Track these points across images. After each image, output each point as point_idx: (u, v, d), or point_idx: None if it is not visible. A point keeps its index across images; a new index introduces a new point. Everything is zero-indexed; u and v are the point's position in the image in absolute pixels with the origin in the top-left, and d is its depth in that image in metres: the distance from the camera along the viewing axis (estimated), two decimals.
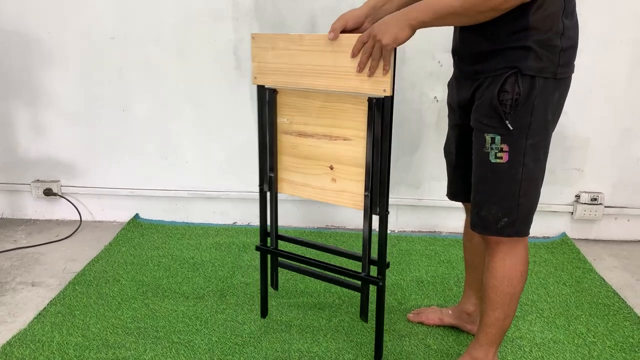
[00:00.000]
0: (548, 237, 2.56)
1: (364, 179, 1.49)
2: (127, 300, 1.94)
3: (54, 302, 1.91)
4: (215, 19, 2.33)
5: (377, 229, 1.51)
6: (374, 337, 1.75)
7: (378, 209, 1.48)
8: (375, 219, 1.51)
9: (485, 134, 1.31)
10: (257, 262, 2.22)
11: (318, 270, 1.69)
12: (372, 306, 1.72)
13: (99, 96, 2.47)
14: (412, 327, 1.82)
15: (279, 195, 1.69)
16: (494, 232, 1.36)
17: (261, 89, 1.59)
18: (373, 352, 1.67)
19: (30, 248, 2.36)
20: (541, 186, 1.38)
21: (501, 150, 1.30)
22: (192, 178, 2.59)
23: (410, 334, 1.78)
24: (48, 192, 2.59)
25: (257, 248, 1.76)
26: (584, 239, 2.57)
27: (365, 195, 1.49)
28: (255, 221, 2.64)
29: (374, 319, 1.60)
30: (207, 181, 2.59)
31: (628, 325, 1.85)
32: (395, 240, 2.48)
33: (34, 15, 2.36)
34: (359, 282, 1.61)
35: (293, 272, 2.13)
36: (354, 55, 1.38)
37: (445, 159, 1.62)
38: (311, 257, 1.70)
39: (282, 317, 1.86)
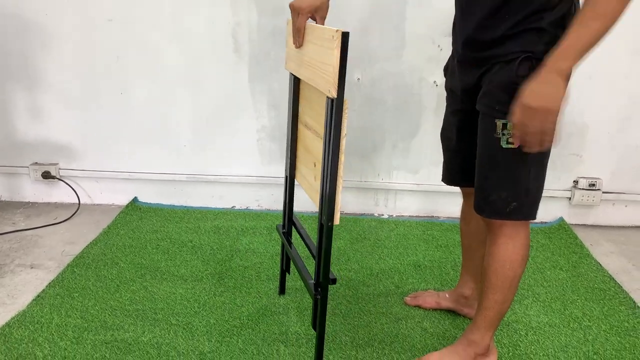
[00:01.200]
0: (545, 222, 2.56)
1: None
2: (126, 283, 1.95)
3: (52, 285, 1.92)
4: (214, 2, 2.31)
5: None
6: (370, 319, 1.77)
7: (324, 216, 1.33)
8: None
9: (497, 119, 1.29)
10: (255, 246, 2.23)
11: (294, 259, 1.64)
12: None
13: (97, 79, 2.45)
14: (409, 311, 1.83)
15: None
16: (503, 216, 1.36)
17: (291, 75, 1.59)
18: (370, 335, 1.69)
19: (29, 231, 2.37)
20: (546, 169, 1.38)
21: (513, 136, 1.29)
22: (190, 162, 2.58)
23: (407, 317, 1.80)
24: (46, 175, 2.58)
25: (278, 229, 1.82)
26: (581, 225, 2.58)
27: (320, 197, 1.37)
28: (253, 205, 2.64)
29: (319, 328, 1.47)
30: (205, 165, 2.59)
31: (623, 310, 1.87)
32: (393, 224, 2.49)
33: None
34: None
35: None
36: (517, 144, 1.25)
37: (442, 143, 1.61)
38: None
39: (279, 300, 1.87)
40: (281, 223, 1.82)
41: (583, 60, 1.14)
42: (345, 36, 1.16)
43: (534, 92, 1.15)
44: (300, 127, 1.59)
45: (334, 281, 1.40)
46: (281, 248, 1.84)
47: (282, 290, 1.90)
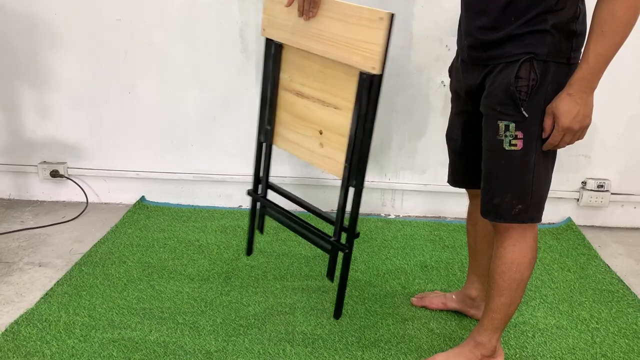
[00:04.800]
0: (553, 223, 2.55)
1: (345, 148, 1.49)
2: (133, 282, 1.96)
3: (60, 283, 1.93)
4: (221, 2, 2.32)
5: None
6: (377, 320, 1.77)
7: (354, 182, 1.50)
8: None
9: (499, 121, 1.29)
10: (262, 245, 2.24)
11: (296, 225, 1.72)
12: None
13: (105, 78, 2.46)
14: (416, 311, 1.83)
15: None
16: (508, 219, 1.36)
17: (269, 42, 1.58)
18: (376, 335, 1.69)
19: (37, 229, 2.38)
20: (552, 172, 1.38)
21: (515, 138, 1.28)
22: (197, 161, 2.59)
23: (414, 317, 1.79)
24: (55, 174, 2.60)
25: (248, 193, 1.81)
26: (589, 226, 2.56)
27: (345, 166, 1.50)
28: None
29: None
30: (212, 164, 2.59)
31: (632, 312, 1.86)
32: (400, 225, 2.48)
33: None
34: (329, 246, 1.64)
35: (297, 257, 2.15)
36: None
37: (448, 145, 1.60)
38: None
39: (286, 300, 1.87)
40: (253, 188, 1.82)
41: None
42: (392, 18, 1.31)
43: (571, 113, 1.23)
44: (286, 94, 1.59)
45: (357, 235, 1.58)
46: (251, 211, 1.85)
47: (249, 251, 1.93)
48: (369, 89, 1.37)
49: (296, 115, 1.58)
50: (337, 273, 2.03)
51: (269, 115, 1.64)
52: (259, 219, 1.85)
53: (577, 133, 1.27)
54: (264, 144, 1.70)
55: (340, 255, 1.59)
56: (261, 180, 1.77)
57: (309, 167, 2.55)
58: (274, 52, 1.57)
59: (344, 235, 1.59)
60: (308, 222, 1.69)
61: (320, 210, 1.72)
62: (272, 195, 1.82)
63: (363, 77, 1.37)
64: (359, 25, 1.35)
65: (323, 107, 1.51)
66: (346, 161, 1.48)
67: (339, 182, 1.53)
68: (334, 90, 1.47)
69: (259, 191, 1.80)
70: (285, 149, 1.66)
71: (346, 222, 1.58)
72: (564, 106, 1.24)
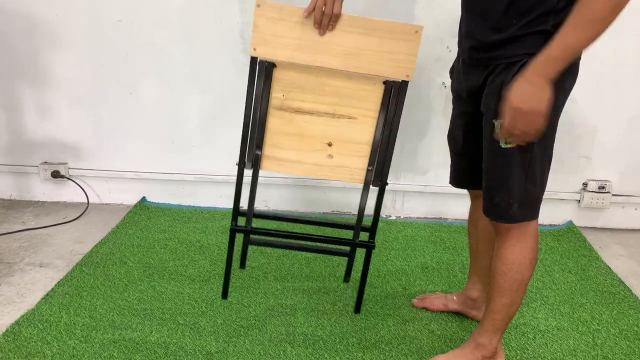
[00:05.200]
0: (554, 224, 2.55)
1: (364, 154, 1.55)
2: (134, 282, 1.96)
3: (61, 283, 1.93)
4: (222, 2, 2.32)
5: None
6: (377, 321, 1.77)
7: (379, 183, 1.61)
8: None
9: (494, 120, 1.30)
10: (263, 247, 2.23)
11: (302, 242, 1.81)
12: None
13: (106, 79, 2.46)
14: (417, 313, 1.83)
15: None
16: (506, 218, 1.37)
17: (255, 61, 1.55)
18: (377, 337, 1.69)
19: (38, 229, 2.38)
20: (549, 171, 1.38)
21: (500, 134, 1.29)
22: (198, 162, 2.59)
23: (415, 319, 1.79)
24: (56, 174, 2.60)
25: (232, 230, 1.74)
26: (590, 227, 2.56)
27: (368, 170, 1.59)
28: (261, 205, 2.65)
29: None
30: (213, 165, 2.59)
31: (633, 314, 1.85)
32: (401, 226, 2.48)
33: None
34: (347, 248, 1.78)
35: (297, 258, 2.15)
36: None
37: (450, 146, 1.60)
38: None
39: (287, 301, 1.87)
40: (240, 224, 1.77)
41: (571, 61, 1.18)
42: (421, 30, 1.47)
43: (521, 94, 1.19)
44: (280, 114, 1.57)
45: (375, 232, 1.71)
46: (229, 249, 1.76)
47: (225, 294, 1.83)
48: (397, 96, 1.48)
49: (294, 133, 1.58)
50: (339, 273, 2.04)
51: (258, 139, 1.60)
52: (241, 254, 1.89)
53: (528, 119, 1.19)
54: (252, 171, 1.64)
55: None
56: (247, 212, 1.71)
57: None
58: (266, 73, 1.54)
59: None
60: (309, 233, 1.76)
61: (320, 218, 1.75)
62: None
63: (391, 85, 1.47)
64: (391, 39, 1.47)
65: (333, 119, 1.54)
66: (370, 165, 1.58)
67: (340, 183, 1.54)
68: (348, 102, 1.51)
69: (245, 224, 1.73)
70: (278, 170, 1.65)
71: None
72: (515, 86, 1.20)
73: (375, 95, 1.50)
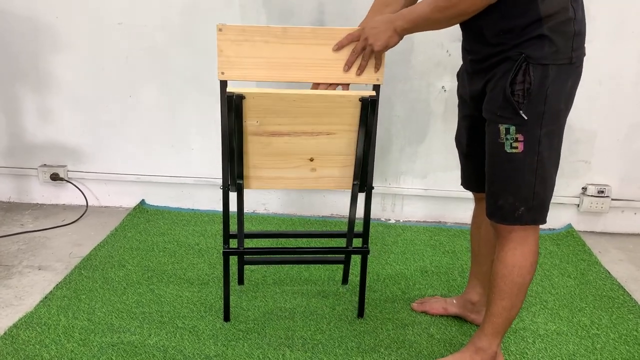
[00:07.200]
0: (554, 229, 2.55)
1: (348, 164, 1.55)
2: (133, 285, 1.95)
3: (60, 286, 1.93)
4: (223, 6, 2.32)
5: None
6: (377, 325, 1.76)
7: (365, 188, 1.62)
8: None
9: (500, 125, 1.32)
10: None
11: (295, 256, 1.86)
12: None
13: (106, 82, 2.46)
14: (416, 317, 1.82)
15: None
16: (511, 221, 1.37)
17: (225, 84, 1.56)
18: (376, 341, 1.68)
19: (37, 232, 2.38)
20: (556, 174, 1.39)
21: (516, 140, 1.31)
22: (198, 165, 2.59)
23: (414, 323, 1.79)
24: (55, 177, 2.60)
25: (225, 253, 1.71)
26: (590, 232, 2.56)
27: (354, 184, 1.59)
28: (260, 209, 2.64)
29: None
30: (213, 168, 2.59)
31: (632, 319, 1.85)
32: (400, 230, 2.48)
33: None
34: (342, 256, 1.83)
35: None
36: (338, 49, 1.49)
37: (457, 148, 1.63)
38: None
39: (286, 305, 1.86)
40: (232, 245, 1.74)
41: (414, 30, 1.38)
42: None
43: (375, 27, 1.41)
44: (257, 139, 1.51)
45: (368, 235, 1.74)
46: (224, 271, 1.71)
47: (227, 316, 1.77)
48: (373, 109, 1.44)
49: (275, 154, 1.55)
50: (338, 277, 2.03)
51: (239, 169, 1.55)
52: (238, 273, 1.91)
53: (368, 41, 1.43)
54: (237, 199, 1.62)
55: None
56: (238, 235, 1.70)
57: None
58: (235, 106, 1.44)
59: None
60: (302, 247, 1.84)
61: (312, 230, 1.79)
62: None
63: (365, 101, 1.43)
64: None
65: (311, 137, 1.51)
66: (355, 179, 1.57)
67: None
68: (325, 119, 1.48)
69: (237, 245, 1.72)
70: (261, 187, 1.65)
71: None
72: (379, 20, 1.41)
73: (349, 110, 1.45)
